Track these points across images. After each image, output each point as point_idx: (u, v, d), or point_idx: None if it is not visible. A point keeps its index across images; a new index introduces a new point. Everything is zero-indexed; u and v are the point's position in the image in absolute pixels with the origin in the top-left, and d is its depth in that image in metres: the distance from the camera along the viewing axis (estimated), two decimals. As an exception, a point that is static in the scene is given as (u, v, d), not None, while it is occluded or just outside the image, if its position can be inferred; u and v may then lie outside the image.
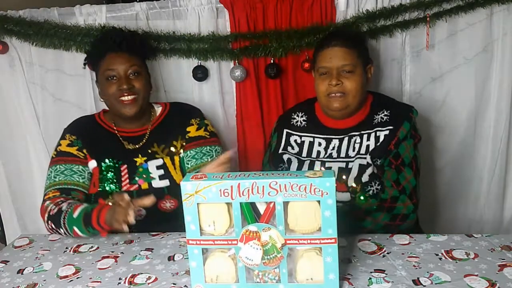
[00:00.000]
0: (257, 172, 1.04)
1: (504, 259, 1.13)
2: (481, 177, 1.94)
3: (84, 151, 1.60)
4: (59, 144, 1.63)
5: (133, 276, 1.18)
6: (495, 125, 1.87)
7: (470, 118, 1.89)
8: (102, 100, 1.65)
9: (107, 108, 1.67)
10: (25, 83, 1.96)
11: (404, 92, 1.88)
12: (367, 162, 1.49)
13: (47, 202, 1.51)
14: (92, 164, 1.59)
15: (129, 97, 1.56)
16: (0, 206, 2.12)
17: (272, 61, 1.83)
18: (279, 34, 1.79)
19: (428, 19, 1.76)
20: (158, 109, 1.70)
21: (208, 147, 1.62)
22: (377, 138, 1.52)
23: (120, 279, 1.17)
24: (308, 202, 1.00)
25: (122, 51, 1.58)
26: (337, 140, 1.57)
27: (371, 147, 1.52)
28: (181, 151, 1.62)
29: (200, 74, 1.88)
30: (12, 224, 2.11)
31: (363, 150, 1.52)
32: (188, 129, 1.64)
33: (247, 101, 1.91)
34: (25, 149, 2.04)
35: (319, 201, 0.99)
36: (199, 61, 1.87)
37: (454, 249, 1.19)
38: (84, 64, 1.72)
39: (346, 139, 1.56)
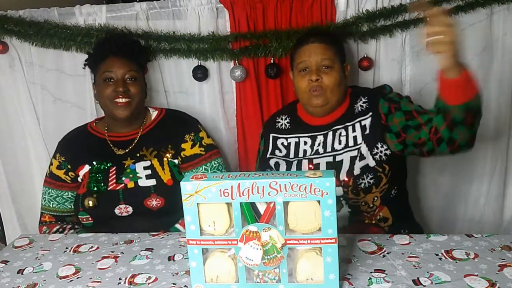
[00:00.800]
0: (257, 172, 1.04)
1: (504, 259, 1.13)
2: (481, 177, 1.94)
3: (70, 173, 1.66)
4: (51, 163, 1.71)
5: (133, 276, 1.18)
6: (495, 125, 1.87)
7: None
8: (97, 102, 1.70)
9: (99, 116, 1.71)
10: (25, 83, 1.96)
11: (404, 92, 1.88)
12: (360, 154, 1.48)
13: (45, 227, 1.66)
14: (85, 170, 1.64)
15: (124, 100, 1.59)
16: (0, 206, 2.11)
17: (272, 61, 1.84)
18: (279, 34, 1.79)
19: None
20: (153, 114, 1.74)
21: (203, 166, 1.66)
22: (363, 127, 1.52)
23: (120, 279, 1.17)
24: (308, 202, 1.00)
25: (122, 56, 1.63)
26: (322, 136, 1.58)
27: (359, 137, 1.51)
28: (169, 156, 1.63)
29: (200, 74, 1.88)
30: (12, 224, 2.11)
31: (351, 142, 1.52)
32: (182, 146, 1.65)
33: (247, 101, 1.91)
34: (25, 149, 2.04)
35: (319, 201, 0.99)
36: (199, 61, 1.88)
37: (454, 249, 1.19)
38: (84, 65, 1.74)
39: (330, 133, 1.57)
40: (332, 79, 1.53)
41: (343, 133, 1.54)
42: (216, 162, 1.68)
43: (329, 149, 1.55)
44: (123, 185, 1.58)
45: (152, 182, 1.58)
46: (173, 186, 1.58)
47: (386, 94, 1.54)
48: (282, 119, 1.69)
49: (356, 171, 1.47)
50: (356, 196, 1.47)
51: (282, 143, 1.64)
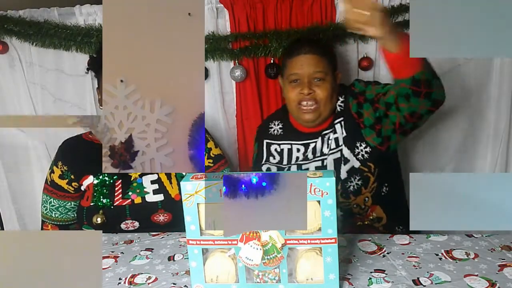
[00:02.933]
0: (257, 172, 1.04)
1: (504, 259, 1.13)
2: (481, 177, 1.94)
3: (74, 184, 1.59)
4: (52, 170, 1.62)
5: (133, 276, 1.18)
6: (495, 125, 1.87)
7: (470, 118, 1.89)
8: (101, 107, 1.63)
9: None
10: (25, 83, 1.96)
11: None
12: (344, 157, 1.49)
13: None
14: (89, 180, 1.57)
15: None
16: (0, 206, 2.11)
17: (272, 61, 1.83)
18: (279, 34, 1.79)
19: None
20: None
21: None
22: (342, 129, 1.53)
23: (120, 279, 1.17)
24: (308, 202, 1.00)
25: None
26: (313, 143, 1.58)
27: (340, 139, 1.52)
28: None
29: (200, 74, 1.88)
30: (12, 224, 2.11)
31: (333, 145, 1.53)
32: None
33: (247, 101, 1.91)
34: (25, 149, 2.04)
35: (319, 201, 0.99)
36: (199, 61, 1.87)
37: (454, 249, 1.19)
38: (87, 69, 1.70)
39: (319, 139, 1.57)
40: (325, 92, 1.51)
41: (331, 136, 1.55)
42: (225, 172, 1.65)
43: (318, 153, 1.56)
44: (129, 200, 1.53)
45: (159, 197, 1.54)
46: (181, 200, 1.54)
47: (354, 90, 1.54)
48: (274, 124, 1.70)
49: (343, 175, 1.48)
50: (346, 199, 1.48)
51: (276, 149, 1.65)
